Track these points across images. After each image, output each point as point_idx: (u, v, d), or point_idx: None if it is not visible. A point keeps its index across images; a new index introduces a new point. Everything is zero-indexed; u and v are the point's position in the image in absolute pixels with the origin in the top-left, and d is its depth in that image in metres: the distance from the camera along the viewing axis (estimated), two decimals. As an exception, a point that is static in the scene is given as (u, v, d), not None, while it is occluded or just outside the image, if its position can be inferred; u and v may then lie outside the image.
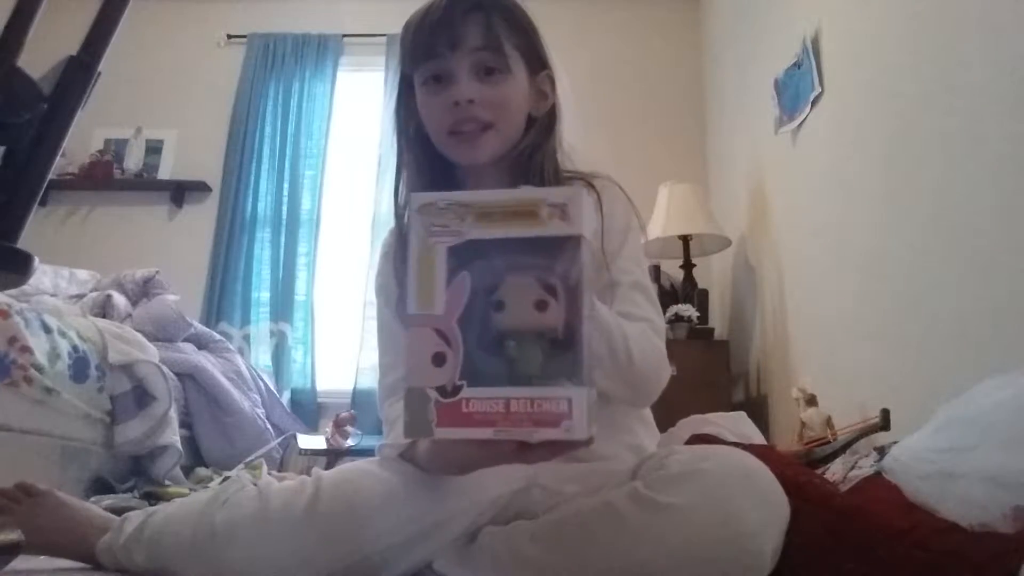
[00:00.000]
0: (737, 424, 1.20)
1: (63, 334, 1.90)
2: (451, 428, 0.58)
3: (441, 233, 0.61)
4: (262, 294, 3.59)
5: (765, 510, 0.74)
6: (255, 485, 0.91)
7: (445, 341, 0.59)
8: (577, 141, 1.07)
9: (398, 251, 1.04)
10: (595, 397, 0.60)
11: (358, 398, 3.32)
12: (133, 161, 3.79)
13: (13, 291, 1.93)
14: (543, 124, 1.04)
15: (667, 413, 1.09)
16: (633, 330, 0.90)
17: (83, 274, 2.94)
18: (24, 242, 0.81)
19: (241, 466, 2.26)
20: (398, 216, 1.06)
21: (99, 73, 0.86)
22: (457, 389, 0.58)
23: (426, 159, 1.04)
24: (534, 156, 1.02)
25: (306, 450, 2.64)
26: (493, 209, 0.60)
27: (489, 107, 0.97)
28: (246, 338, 3.48)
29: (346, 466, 0.94)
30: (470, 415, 0.58)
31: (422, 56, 0.98)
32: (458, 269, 0.60)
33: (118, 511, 1.07)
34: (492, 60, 0.97)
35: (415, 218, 0.62)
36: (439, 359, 0.59)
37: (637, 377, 0.90)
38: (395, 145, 1.07)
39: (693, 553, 0.72)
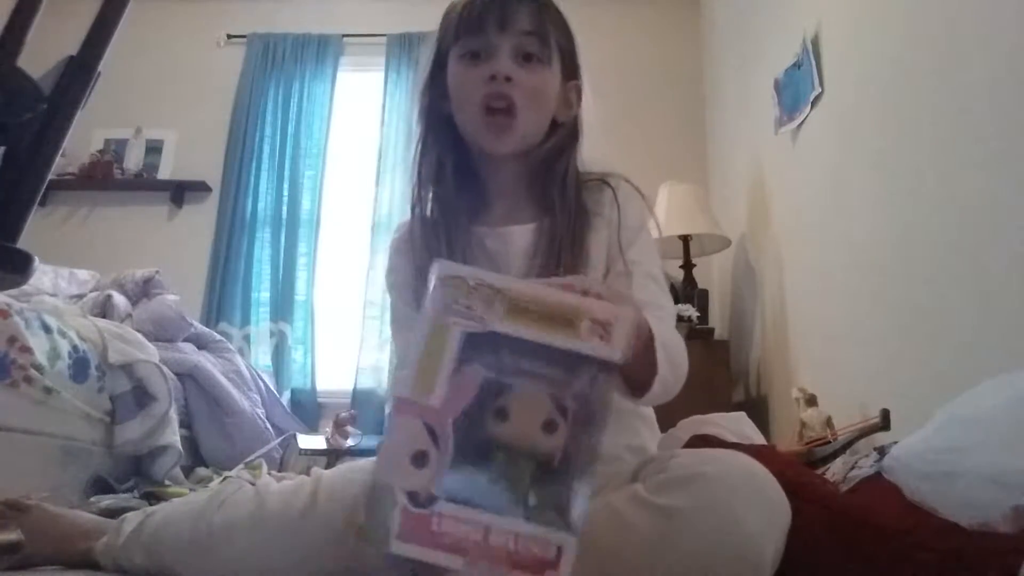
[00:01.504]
0: (737, 424, 1.20)
1: (63, 334, 1.90)
2: (413, 545, 0.50)
3: (462, 315, 0.53)
4: (262, 294, 3.59)
5: (766, 515, 0.73)
6: (253, 485, 0.92)
7: (432, 439, 0.51)
8: (595, 153, 1.07)
9: (419, 237, 1.02)
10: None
11: (358, 398, 3.33)
12: (133, 161, 3.79)
13: (13, 291, 1.93)
14: (567, 131, 1.05)
15: (667, 413, 1.09)
16: (670, 335, 0.86)
17: (83, 274, 2.94)
18: (24, 242, 0.80)
19: (241, 466, 2.25)
20: (420, 199, 1.05)
21: (99, 73, 0.86)
22: (432, 500, 0.50)
23: (449, 144, 1.03)
24: (557, 160, 1.02)
25: (306, 450, 2.64)
26: (528, 304, 0.53)
27: (523, 90, 0.97)
28: (246, 338, 3.48)
29: (345, 466, 0.94)
30: (439, 535, 0.49)
31: (466, 31, 0.98)
32: (470, 360, 0.52)
33: (118, 511, 1.07)
34: (536, 47, 0.98)
35: (436, 289, 0.54)
36: (420, 459, 0.51)
37: (678, 379, 0.87)
38: (418, 126, 1.06)
39: (693, 557, 0.72)
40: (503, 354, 0.52)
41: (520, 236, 1.00)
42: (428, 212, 1.04)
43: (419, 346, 0.53)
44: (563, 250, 0.96)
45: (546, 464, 0.50)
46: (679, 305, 2.81)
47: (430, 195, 1.04)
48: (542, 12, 0.99)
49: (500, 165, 1.03)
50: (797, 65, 2.40)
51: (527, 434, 0.51)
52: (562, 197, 1.00)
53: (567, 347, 0.52)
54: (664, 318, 0.92)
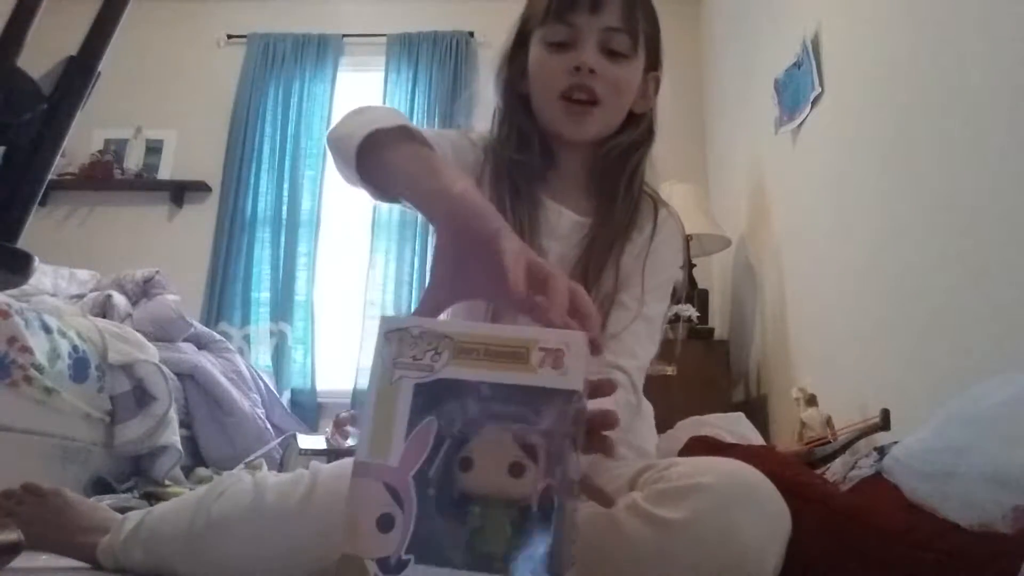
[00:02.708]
0: (735, 425, 1.20)
1: (63, 334, 1.90)
2: None
3: (409, 367, 0.52)
4: (262, 294, 3.60)
5: (766, 526, 0.72)
6: (251, 477, 0.92)
7: (396, 500, 0.49)
8: (664, 151, 1.07)
9: (492, 164, 1.01)
10: None
11: (358, 398, 3.32)
12: (133, 161, 3.79)
13: (13, 291, 1.93)
14: (643, 125, 1.04)
15: (667, 413, 1.09)
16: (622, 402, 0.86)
17: (83, 274, 2.94)
18: (24, 242, 0.80)
19: (241, 466, 2.26)
20: (492, 148, 1.03)
21: (99, 73, 0.86)
22: (402, 565, 0.48)
23: (525, 124, 1.02)
24: (630, 154, 1.02)
25: (306, 450, 2.64)
26: (475, 345, 0.51)
27: (605, 84, 0.96)
28: (246, 338, 3.48)
29: (343, 460, 0.94)
30: None
31: (556, 14, 0.97)
32: (424, 412, 0.51)
33: (118, 511, 1.07)
34: (623, 41, 0.97)
35: (381, 346, 0.53)
36: (386, 522, 0.49)
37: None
38: (496, 99, 1.05)
39: (693, 569, 0.71)
40: (466, 401, 0.50)
41: (568, 223, 1.00)
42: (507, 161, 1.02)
43: (370, 407, 0.51)
44: (600, 258, 0.96)
45: (525, 510, 0.48)
46: (679, 305, 2.81)
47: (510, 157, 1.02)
48: (633, 3, 0.98)
49: (570, 150, 1.03)
50: (797, 65, 2.40)
51: (493, 481, 0.48)
52: (627, 194, 1.00)
53: (519, 383, 0.50)
54: (624, 382, 0.90)
